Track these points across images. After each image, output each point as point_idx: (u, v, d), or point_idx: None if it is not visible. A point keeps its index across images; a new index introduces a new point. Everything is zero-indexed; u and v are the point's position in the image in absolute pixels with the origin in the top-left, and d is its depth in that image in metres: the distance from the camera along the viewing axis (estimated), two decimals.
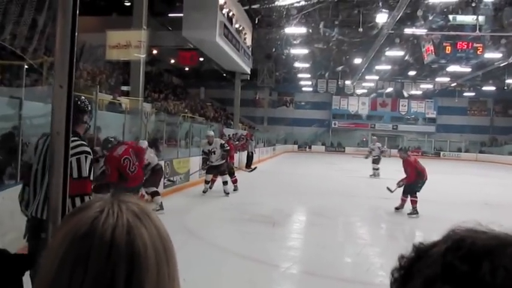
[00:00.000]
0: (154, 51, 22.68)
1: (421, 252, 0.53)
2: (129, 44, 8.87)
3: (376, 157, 16.48)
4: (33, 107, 5.97)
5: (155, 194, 7.63)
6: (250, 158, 18.09)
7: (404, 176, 8.90)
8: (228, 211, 8.26)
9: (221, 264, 5.14)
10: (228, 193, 9.82)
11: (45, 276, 0.55)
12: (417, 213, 8.47)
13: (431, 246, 0.52)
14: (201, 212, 8.01)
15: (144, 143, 7.61)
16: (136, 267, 0.55)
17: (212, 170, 9.99)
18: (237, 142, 18.29)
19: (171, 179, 9.86)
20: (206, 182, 10.05)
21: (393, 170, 10.86)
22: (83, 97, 3.24)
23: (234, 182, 10.57)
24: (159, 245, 0.59)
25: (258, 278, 4.68)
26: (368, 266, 5.24)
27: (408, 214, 8.54)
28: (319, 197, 10.44)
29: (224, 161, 10.04)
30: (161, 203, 7.59)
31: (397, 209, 8.88)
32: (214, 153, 9.82)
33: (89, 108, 2.94)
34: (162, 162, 8.55)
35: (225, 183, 9.95)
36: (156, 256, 0.58)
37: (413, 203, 8.58)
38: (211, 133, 10.79)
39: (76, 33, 1.07)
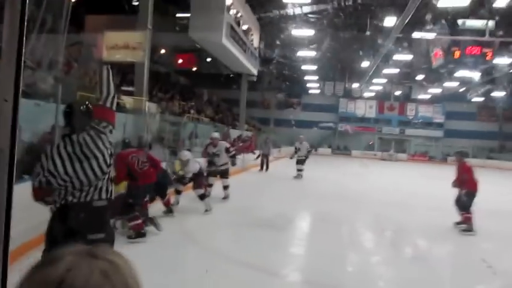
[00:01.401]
0: (162, 51, 22.66)
1: None
2: (127, 45, 8.80)
3: (301, 157, 15.76)
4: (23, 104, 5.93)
5: (203, 196, 8.16)
6: (265, 159, 17.93)
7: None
8: (229, 215, 8.16)
9: (217, 270, 5.03)
10: (226, 197, 9.68)
11: None
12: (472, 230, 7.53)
13: None
14: (201, 215, 7.89)
15: (186, 154, 8.27)
16: None
17: (216, 173, 9.71)
18: (241, 144, 18.23)
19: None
20: (209, 185, 9.63)
21: (397, 174, 10.69)
22: (85, 101, 3.28)
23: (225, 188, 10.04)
24: None
25: (255, 286, 4.57)
26: (370, 276, 5.12)
27: (463, 230, 7.64)
28: (323, 202, 10.28)
29: (229, 165, 9.80)
30: (171, 208, 7.68)
31: (459, 223, 7.85)
32: (219, 156, 9.49)
33: (90, 110, 3.07)
34: (163, 164, 8.47)
35: (225, 187, 9.74)
36: None
37: (468, 219, 7.62)
38: (216, 135, 10.33)
39: (23, 42, 0.97)
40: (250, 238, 6.62)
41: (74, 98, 5.54)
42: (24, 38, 0.99)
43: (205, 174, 9.10)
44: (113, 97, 3.03)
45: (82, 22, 17.01)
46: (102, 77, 2.93)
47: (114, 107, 3.04)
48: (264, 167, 17.74)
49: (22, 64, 0.99)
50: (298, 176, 15.58)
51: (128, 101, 11.42)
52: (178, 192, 8.44)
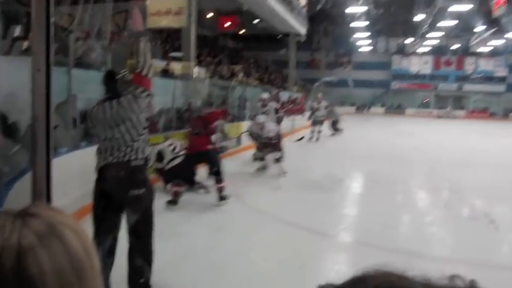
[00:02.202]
0: (210, 15, 22.58)
1: None
2: (170, 10, 8.79)
3: (320, 118, 14.26)
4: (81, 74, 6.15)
5: (279, 159, 8.14)
6: (335, 123, 17.37)
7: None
8: (277, 177, 8.18)
9: (265, 230, 5.13)
10: (285, 172, 8.19)
11: None
12: None
13: None
14: (250, 178, 8.01)
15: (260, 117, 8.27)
16: None
17: (264, 146, 8.31)
18: (291, 105, 18.11)
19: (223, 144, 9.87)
20: (261, 158, 8.58)
21: (453, 132, 10.24)
22: (122, 67, 3.38)
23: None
24: (66, 267, 0.51)
25: (304, 247, 4.61)
26: (423, 236, 5.05)
27: None
28: (373, 162, 10.08)
29: (277, 131, 8.30)
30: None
31: None
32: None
33: (125, 77, 3.27)
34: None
35: (277, 160, 8.28)
36: (60, 281, 0.50)
37: None
38: (265, 95, 10.13)
39: (51, 16, 1.00)
40: (298, 199, 6.67)
41: (123, 66, 5.65)
42: (52, 10, 1.02)
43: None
44: (149, 65, 3.11)
45: None
46: (139, 47, 3.01)
47: (150, 75, 3.11)
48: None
49: (52, 35, 1.02)
50: (315, 138, 14.21)
51: (176, 67, 11.53)
52: (261, 158, 8.49)
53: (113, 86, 3.14)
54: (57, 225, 0.54)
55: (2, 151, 4.22)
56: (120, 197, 2.99)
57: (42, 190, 1.05)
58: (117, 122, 3.01)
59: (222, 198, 6.04)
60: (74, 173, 4.86)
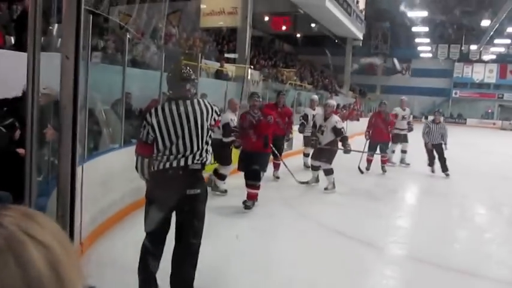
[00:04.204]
0: (266, 18, 22.64)
1: None
2: (223, 10, 8.81)
3: (404, 132, 10.41)
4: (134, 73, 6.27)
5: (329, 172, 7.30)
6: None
7: None
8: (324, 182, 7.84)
9: (309, 236, 4.98)
10: (333, 188, 7.23)
11: None
12: None
13: None
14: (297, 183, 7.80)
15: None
16: None
17: (319, 153, 7.29)
18: (344, 111, 17.77)
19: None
20: (313, 168, 7.56)
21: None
22: (187, 67, 3.32)
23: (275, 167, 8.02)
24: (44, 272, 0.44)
25: (351, 256, 4.43)
26: (482, 255, 4.71)
27: None
28: (427, 174, 9.48)
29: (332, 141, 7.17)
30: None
31: None
32: (323, 133, 7.21)
33: (192, 76, 3.05)
34: None
35: (327, 172, 7.22)
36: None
37: None
38: (316, 97, 9.54)
39: (82, 4, 0.95)
40: (347, 207, 6.46)
41: (178, 65, 5.70)
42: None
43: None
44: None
45: None
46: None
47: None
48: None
49: (82, 23, 0.97)
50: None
51: (230, 68, 11.60)
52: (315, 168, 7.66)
53: (180, 86, 3.00)
54: (20, 239, 0.46)
55: (54, 144, 4.35)
56: (176, 196, 2.92)
57: (67, 179, 1.00)
58: (183, 127, 2.91)
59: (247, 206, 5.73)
60: (125, 168, 4.94)
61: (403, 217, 6.31)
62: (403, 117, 10.38)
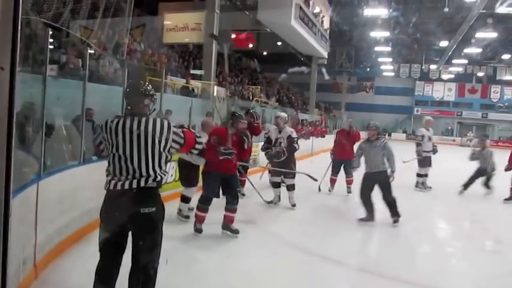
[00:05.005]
0: (233, 36, 22.77)
1: None
2: (186, 26, 8.82)
3: (429, 154, 9.62)
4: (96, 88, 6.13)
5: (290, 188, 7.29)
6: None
7: None
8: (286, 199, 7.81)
9: (277, 255, 4.94)
10: (294, 204, 7.27)
11: None
12: None
13: None
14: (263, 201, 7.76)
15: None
16: None
17: (276, 171, 7.32)
18: (310, 128, 17.99)
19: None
20: (274, 185, 7.52)
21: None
22: (146, 82, 3.25)
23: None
24: None
25: (316, 276, 4.41)
26: (444, 269, 4.78)
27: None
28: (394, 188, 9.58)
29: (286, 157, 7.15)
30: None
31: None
32: (280, 145, 7.18)
33: (150, 92, 2.97)
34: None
35: (289, 187, 7.32)
36: None
37: None
38: (284, 115, 7.88)
39: (20, 9, 0.91)
40: (310, 224, 6.47)
41: (136, 80, 5.62)
42: (21, 4, 0.92)
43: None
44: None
45: (150, 5, 16.90)
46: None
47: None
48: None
49: (19, 31, 0.92)
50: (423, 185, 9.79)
51: (196, 84, 11.57)
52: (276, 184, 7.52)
53: (137, 101, 2.91)
54: None
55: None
56: (130, 215, 2.80)
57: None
58: (139, 140, 2.81)
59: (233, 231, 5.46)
60: (84, 186, 4.80)
61: (367, 233, 6.37)
62: (429, 138, 9.65)
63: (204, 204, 5.39)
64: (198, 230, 5.39)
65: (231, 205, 5.40)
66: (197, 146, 3.17)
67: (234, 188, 5.44)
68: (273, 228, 6.08)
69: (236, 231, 5.43)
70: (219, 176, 5.29)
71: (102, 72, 6.34)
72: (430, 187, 9.74)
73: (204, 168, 5.50)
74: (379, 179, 6.37)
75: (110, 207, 2.87)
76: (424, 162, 9.54)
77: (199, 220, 5.42)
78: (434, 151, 9.69)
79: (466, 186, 9.42)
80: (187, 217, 6.04)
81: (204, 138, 5.81)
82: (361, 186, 6.52)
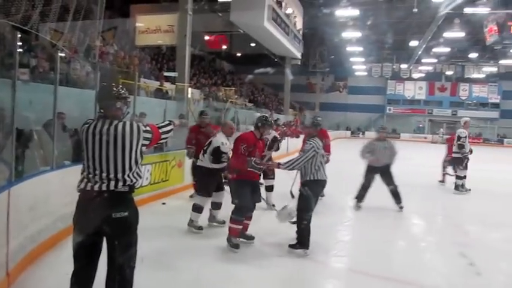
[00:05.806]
0: (206, 37, 22.72)
1: None
2: (159, 28, 8.77)
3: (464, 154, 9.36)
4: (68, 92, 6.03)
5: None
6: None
7: None
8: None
9: (256, 256, 4.96)
10: (273, 205, 7.00)
11: None
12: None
13: None
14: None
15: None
16: None
17: None
18: (284, 128, 18.07)
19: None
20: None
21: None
22: (119, 85, 3.20)
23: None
24: None
25: (292, 273, 4.46)
26: (418, 264, 4.89)
27: None
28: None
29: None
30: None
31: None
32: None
33: (123, 95, 2.97)
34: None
35: (268, 188, 7.39)
36: None
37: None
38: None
39: None
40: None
41: (108, 83, 5.55)
42: None
43: None
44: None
45: (121, 7, 16.64)
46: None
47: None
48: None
49: None
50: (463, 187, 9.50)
51: (170, 87, 11.48)
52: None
53: (110, 105, 2.91)
54: None
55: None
56: (102, 220, 2.78)
57: None
58: (110, 145, 2.81)
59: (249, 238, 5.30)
60: (57, 191, 4.71)
61: (342, 231, 6.45)
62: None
63: (240, 215, 5.03)
64: (235, 246, 5.00)
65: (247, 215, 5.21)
66: (163, 136, 3.16)
67: (259, 195, 5.34)
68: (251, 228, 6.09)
69: (251, 238, 5.29)
70: (250, 184, 5.10)
71: (73, 75, 6.23)
72: (470, 189, 9.42)
73: (233, 176, 5.21)
74: (382, 170, 7.53)
75: (83, 211, 2.86)
76: (466, 163, 9.31)
77: (235, 234, 5.05)
78: (471, 151, 9.51)
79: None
80: (201, 228, 5.70)
81: (224, 139, 5.67)
82: (366, 173, 7.65)
